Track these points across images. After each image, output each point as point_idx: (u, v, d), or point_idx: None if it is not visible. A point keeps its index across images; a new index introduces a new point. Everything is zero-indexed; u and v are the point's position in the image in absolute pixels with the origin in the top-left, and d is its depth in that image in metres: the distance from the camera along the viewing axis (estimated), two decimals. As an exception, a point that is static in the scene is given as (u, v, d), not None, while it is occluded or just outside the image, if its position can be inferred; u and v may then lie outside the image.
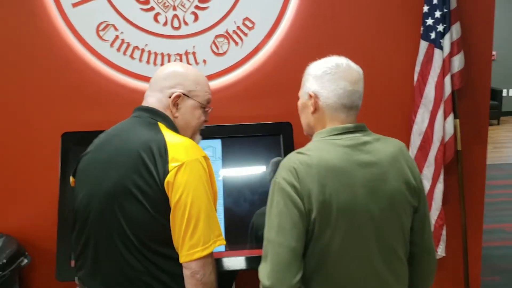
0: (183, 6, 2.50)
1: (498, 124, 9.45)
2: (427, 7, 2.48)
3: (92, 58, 2.51)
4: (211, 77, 2.52)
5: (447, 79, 2.49)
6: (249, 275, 2.43)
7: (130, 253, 1.53)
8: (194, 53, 2.53)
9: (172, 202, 1.50)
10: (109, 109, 2.55)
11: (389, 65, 2.63)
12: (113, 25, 2.49)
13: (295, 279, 1.40)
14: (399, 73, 2.63)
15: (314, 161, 1.43)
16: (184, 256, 1.50)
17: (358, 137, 1.50)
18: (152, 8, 2.49)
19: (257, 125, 2.46)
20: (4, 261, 2.36)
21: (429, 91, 2.53)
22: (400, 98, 2.66)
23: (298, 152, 1.49)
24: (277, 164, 2.46)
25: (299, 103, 1.64)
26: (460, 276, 2.76)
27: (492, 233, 4.47)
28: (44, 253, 2.60)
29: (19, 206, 2.59)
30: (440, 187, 2.54)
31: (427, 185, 2.53)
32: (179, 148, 1.55)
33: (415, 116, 2.59)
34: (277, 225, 1.42)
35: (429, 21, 2.48)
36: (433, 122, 2.53)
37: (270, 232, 1.44)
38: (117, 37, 2.50)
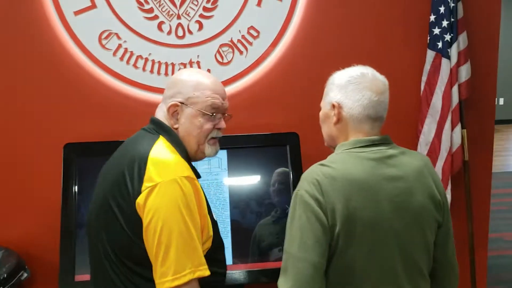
0: (188, 15, 2.46)
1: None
2: (434, 17, 2.47)
3: (94, 67, 2.46)
4: (216, 87, 2.48)
5: (455, 89, 2.47)
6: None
7: (113, 270, 1.47)
8: (198, 62, 2.49)
9: (144, 225, 1.40)
10: (112, 119, 2.49)
11: (395, 75, 2.57)
12: (116, 34, 2.45)
13: None
14: (405, 83, 2.61)
15: (339, 174, 1.39)
16: (157, 284, 1.39)
17: (384, 150, 1.46)
18: (156, 17, 2.45)
19: (263, 135, 2.42)
20: (5, 275, 2.28)
21: (436, 101, 2.51)
22: (406, 108, 2.63)
23: (321, 164, 1.44)
24: (280, 175, 2.43)
25: (321, 113, 1.59)
26: (467, 286, 2.73)
27: (491, 242, 4.46)
28: (44, 266, 2.53)
29: (19, 219, 2.52)
30: (447, 197, 2.51)
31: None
32: (159, 166, 1.43)
33: (422, 126, 2.57)
34: (299, 240, 1.38)
35: (436, 31, 2.47)
36: (440, 132, 2.51)
37: (291, 247, 1.39)
38: (120, 46, 2.45)
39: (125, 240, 1.43)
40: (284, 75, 2.53)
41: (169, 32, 2.46)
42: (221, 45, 2.49)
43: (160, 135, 1.54)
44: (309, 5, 2.50)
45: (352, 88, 1.49)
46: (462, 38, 2.48)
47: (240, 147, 2.38)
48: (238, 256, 2.28)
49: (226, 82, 2.51)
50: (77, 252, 2.24)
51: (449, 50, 2.45)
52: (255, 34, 2.49)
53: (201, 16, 2.47)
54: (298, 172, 2.35)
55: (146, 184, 1.40)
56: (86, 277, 2.21)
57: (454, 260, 1.58)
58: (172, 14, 2.46)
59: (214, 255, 1.54)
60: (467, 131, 2.59)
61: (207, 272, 1.42)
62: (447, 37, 2.45)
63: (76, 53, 2.45)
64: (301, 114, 2.55)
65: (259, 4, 2.47)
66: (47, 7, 2.41)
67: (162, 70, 2.49)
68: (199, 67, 2.49)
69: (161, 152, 1.48)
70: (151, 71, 2.49)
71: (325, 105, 1.58)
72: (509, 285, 3.76)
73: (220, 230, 1.63)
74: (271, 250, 2.35)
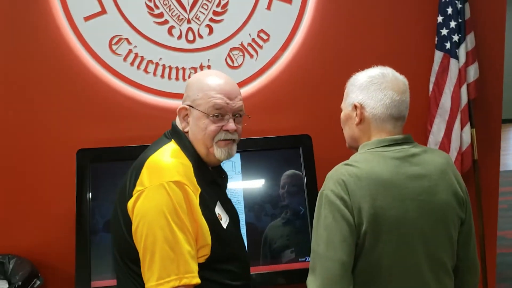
0: (198, 19, 2.47)
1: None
2: (441, 18, 2.50)
3: (105, 73, 2.45)
4: (227, 91, 2.48)
5: (463, 89, 2.50)
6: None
7: (119, 268, 1.52)
8: (209, 66, 2.49)
9: (132, 229, 1.42)
10: (124, 125, 2.49)
11: (404, 76, 2.63)
12: (127, 39, 2.44)
13: None
14: (413, 84, 2.58)
15: (364, 173, 1.40)
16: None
17: (407, 149, 1.48)
18: (166, 22, 2.45)
19: (276, 138, 2.42)
20: (19, 283, 2.27)
21: (445, 101, 2.54)
22: (415, 108, 2.61)
23: (346, 164, 1.46)
24: (290, 177, 2.44)
25: (342, 115, 1.60)
26: (478, 283, 2.74)
27: (494, 240, 4.49)
28: (57, 274, 2.51)
29: (31, 226, 2.50)
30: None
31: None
32: (151, 170, 1.44)
33: (431, 126, 2.59)
34: (326, 239, 1.39)
35: (444, 32, 2.50)
36: (449, 132, 2.53)
37: (318, 246, 1.41)
38: (130, 51, 2.45)
39: (124, 241, 1.46)
40: (294, 78, 2.55)
41: (180, 37, 2.47)
42: (232, 49, 2.50)
43: (172, 139, 1.56)
44: (318, 8, 2.52)
45: (374, 88, 1.51)
46: (470, 39, 2.51)
47: (254, 150, 2.38)
48: (255, 258, 2.28)
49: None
50: (92, 258, 2.24)
51: (457, 50, 2.48)
52: (265, 37, 2.50)
53: (211, 20, 2.47)
54: (311, 173, 2.37)
55: (137, 188, 1.43)
56: (102, 283, 2.21)
57: (476, 257, 1.60)
58: (182, 19, 2.46)
59: (221, 265, 1.52)
60: (476, 130, 2.62)
61: (195, 280, 1.39)
62: (455, 37, 2.47)
63: (86, 59, 2.44)
64: (312, 116, 2.57)
65: (268, 7, 2.48)
66: (56, 14, 2.41)
67: (173, 75, 2.49)
68: (209, 71, 2.50)
69: (160, 156, 1.49)
70: (162, 76, 2.49)
71: (346, 107, 1.59)
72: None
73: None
74: (283, 252, 2.36)
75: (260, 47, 2.51)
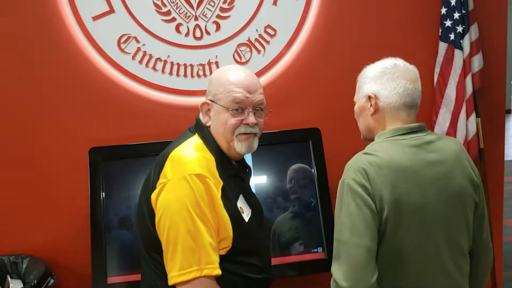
0: (205, 16, 2.49)
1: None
2: (445, 9, 2.53)
3: (114, 71, 2.48)
4: (235, 86, 2.51)
5: (468, 79, 2.54)
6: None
7: (144, 260, 1.57)
8: (217, 63, 2.52)
9: (156, 221, 1.45)
10: (134, 122, 2.51)
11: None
12: (135, 38, 2.46)
13: (373, 278, 1.40)
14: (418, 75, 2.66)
15: (384, 161, 1.43)
16: (168, 278, 1.44)
17: (422, 137, 1.51)
18: (173, 19, 2.47)
19: (286, 132, 2.45)
20: (35, 282, 2.29)
21: (450, 92, 2.57)
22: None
23: (365, 153, 1.49)
24: (297, 172, 2.47)
25: (356, 107, 1.63)
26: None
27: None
28: (70, 272, 2.54)
29: (45, 225, 2.52)
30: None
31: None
32: (174, 163, 1.47)
33: (437, 116, 2.62)
34: (351, 226, 1.42)
35: (448, 23, 2.53)
36: (455, 122, 2.57)
37: (342, 234, 1.43)
38: (139, 49, 2.47)
39: (149, 232, 1.49)
40: (302, 72, 2.58)
41: (187, 34, 2.49)
42: (239, 45, 2.52)
43: (196, 133, 1.58)
44: (324, 2, 2.55)
45: (386, 78, 1.54)
46: (473, 29, 2.55)
47: (264, 145, 2.39)
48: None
49: (245, 81, 2.54)
50: (108, 255, 2.26)
51: (461, 41, 2.51)
52: (272, 32, 2.53)
53: (218, 16, 2.50)
54: (321, 166, 2.40)
55: (160, 181, 1.46)
56: (118, 279, 2.24)
57: (489, 239, 1.64)
58: (189, 16, 2.48)
59: (242, 258, 1.54)
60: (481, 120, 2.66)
61: (216, 271, 1.42)
62: (459, 28, 2.51)
63: (95, 58, 2.46)
64: (321, 110, 2.60)
65: (275, 2, 2.51)
66: (64, 13, 2.42)
67: (181, 72, 2.51)
68: (217, 67, 2.52)
69: (183, 149, 1.52)
70: (170, 73, 2.51)
71: (359, 99, 1.62)
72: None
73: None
74: (292, 245, 2.39)
75: (267, 42, 2.54)
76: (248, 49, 2.53)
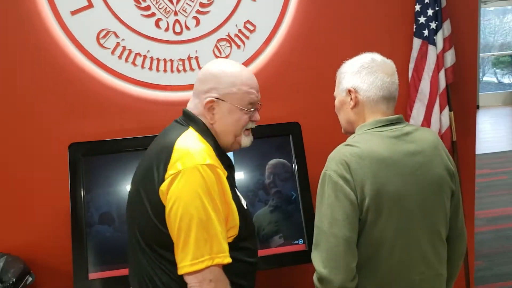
0: (185, 11, 2.50)
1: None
2: (419, 6, 2.60)
3: (93, 66, 2.46)
4: (215, 81, 2.52)
5: (441, 74, 2.62)
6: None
7: (144, 257, 1.54)
8: (197, 58, 2.53)
9: (166, 211, 1.46)
10: (114, 117, 2.50)
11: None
12: (114, 32, 2.46)
13: (350, 266, 1.45)
14: (394, 70, 2.73)
15: (365, 152, 1.48)
16: (178, 268, 1.46)
17: (401, 128, 1.57)
18: (153, 14, 2.48)
19: (266, 126, 2.47)
20: (13, 279, 2.27)
21: (424, 86, 2.65)
22: (395, 94, 2.75)
23: (347, 145, 1.53)
24: (274, 167, 2.51)
25: (336, 102, 1.68)
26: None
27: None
28: (50, 269, 2.51)
29: (23, 223, 2.49)
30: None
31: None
32: (182, 154, 1.47)
33: (411, 110, 2.70)
34: (330, 217, 1.47)
35: (422, 19, 2.60)
36: (429, 115, 2.65)
37: (322, 223, 1.48)
38: (118, 44, 2.47)
39: (152, 226, 1.49)
40: (281, 67, 2.61)
41: (167, 29, 2.50)
42: (219, 40, 2.54)
43: (190, 126, 1.59)
44: (302, -2, 2.59)
45: (365, 72, 1.60)
46: (446, 26, 2.63)
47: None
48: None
49: (224, 76, 2.56)
50: (89, 251, 2.25)
51: (434, 37, 2.59)
52: (251, 28, 2.55)
53: (198, 12, 2.51)
54: (301, 159, 2.44)
55: (169, 172, 1.45)
56: (99, 274, 2.23)
57: (464, 226, 1.71)
58: (169, 11, 2.49)
59: (243, 243, 1.58)
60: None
61: (227, 260, 1.46)
62: (433, 25, 2.58)
63: (74, 53, 2.44)
64: (300, 105, 2.64)
65: (254, -2, 2.54)
66: (42, 8, 2.39)
67: (161, 67, 2.52)
68: (197, 62, 2.53)
69: (187, 140, 1.52)
70: (150, 68, 2.51)
71: (340, 93, 1.67)
72: (489, 259, 3.98)
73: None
74: (272, 238, 2.42)
75: (247, 37, 2.56)
76: (228, 44, 2.55)
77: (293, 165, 2.44)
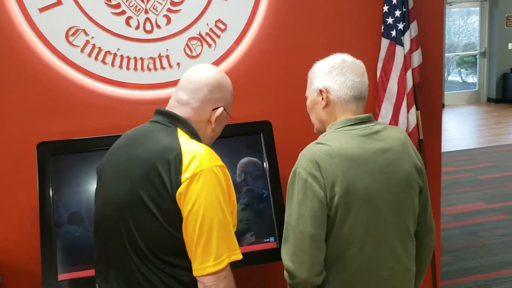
0: (155, 9, 2.49)
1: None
2: (387, 7, 2.66)
3: (62, 64, 2.42)
4: (186, 80, 2.52)
5: (409, 74, 2.68)
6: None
7: (145, 265, 1.50)
8: (167, 56, 2.52)
9: (184, 214, 1.45)
10: (83, 116, 2.47)
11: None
12: (83, 30, 2.42)
13: (317, 262, 1.49)
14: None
15: (335, 150, 1.51)
16: (196, 270, 1.46)
17: (371, 127, 1.60)
18: (123, 12, 2.46)
19: (238, 125, 2.48)
20: (-20, 283, 2.22)
21: (392, 86, 2.71)
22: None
23: (318, 143, 1.56)
24: (245, 165, 2.53)
25: (308, 101, 1.71)
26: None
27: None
28: (18, 271, 2.47)
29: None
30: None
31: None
32: (194, 157, 1.47)
33: (379, 109, 2.76)
34: (297, 213, 1.51)
35: (390, 20, 2.66)
36: (397, 114, 2.71)
37: (291, 219, 1.52)
38: (87, 42, 2.44)
39: (163, 233, 1.47)
40: (253, 66, 2.63)
41: (137, 27, 2.48)
42: (190, 39, 2.54)
43: (177, 127, 1.57)
44: (273, -3, 2.61)
45: (336, 73, 1.63)
46: (413, 27, 2.69)
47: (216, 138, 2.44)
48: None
49: (195, 75, 2.56)
50: (58, 251, 2.22)
51: (402, 38, 2.65)
52: (222, 27, 2.56)
53: (168, 10, 2.50)
54: (273, 158, 2.46)
55: (185, 175, 1.44)
56: (69, 275, 2.21)
57: (432, 223, 1.76)
58: (139, 9, 2.47)
59: None
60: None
61: (240, 256, 1.50)
62: (400, 26, 2.65)
63: (42, 51, 2.40)
64: (271, 104, 2.66)
65: (225, -3, 2.55)
66: (8, 4, 2.34)
67: (131, 65, 2.50)
68: (168, 61, 2.53)
69: (190, 143, 1.53)
70: (120, 67, 2.49)
71: (311, 93, 1.70)
72: (454, 254, 4.10)
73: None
74: (244, 236, 2.44)
75: (218, 36, 2.57)
76: (199, 43, 2.55)
77: (264, 163, 2.47)
